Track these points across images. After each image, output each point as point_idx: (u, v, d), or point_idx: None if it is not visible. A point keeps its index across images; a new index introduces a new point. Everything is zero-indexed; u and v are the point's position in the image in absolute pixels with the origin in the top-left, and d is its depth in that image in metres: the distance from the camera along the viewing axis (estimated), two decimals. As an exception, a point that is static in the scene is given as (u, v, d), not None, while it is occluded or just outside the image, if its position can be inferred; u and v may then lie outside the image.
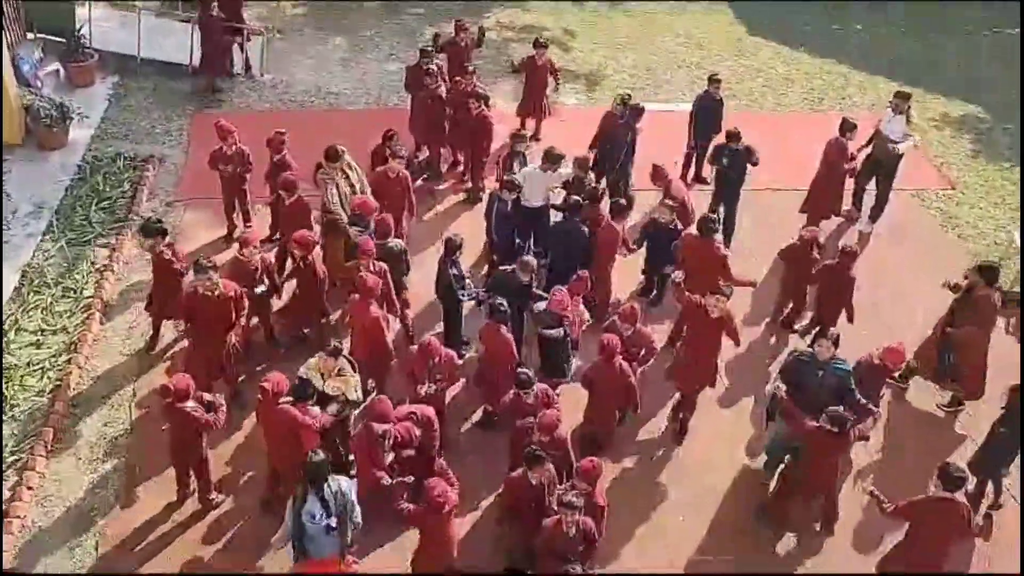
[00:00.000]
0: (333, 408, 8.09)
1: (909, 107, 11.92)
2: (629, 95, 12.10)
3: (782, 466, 8.74)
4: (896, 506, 7.55)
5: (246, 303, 9.02)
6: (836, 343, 8.50)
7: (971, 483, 8.32)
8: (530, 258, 9.61)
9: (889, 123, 11.98)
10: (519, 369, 8.35)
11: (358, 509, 7.29)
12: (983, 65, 16.84)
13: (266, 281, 9.54)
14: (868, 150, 12.18)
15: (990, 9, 18.24)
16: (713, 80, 12.46)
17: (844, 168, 11.62)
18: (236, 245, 9.56)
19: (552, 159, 10.72)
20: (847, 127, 11.47)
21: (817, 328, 10.08)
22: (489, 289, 9.65)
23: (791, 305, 10.69)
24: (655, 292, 10.93)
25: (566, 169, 10.87)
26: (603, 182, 11.75)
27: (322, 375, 8.18)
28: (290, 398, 7.77)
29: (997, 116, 15.38)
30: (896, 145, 11.86)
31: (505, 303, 8.83)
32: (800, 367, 8.52)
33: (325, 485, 7.07)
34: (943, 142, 14.74)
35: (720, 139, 11.71)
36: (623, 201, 10.38)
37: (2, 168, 11.82)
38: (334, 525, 7.12)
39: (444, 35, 13.33)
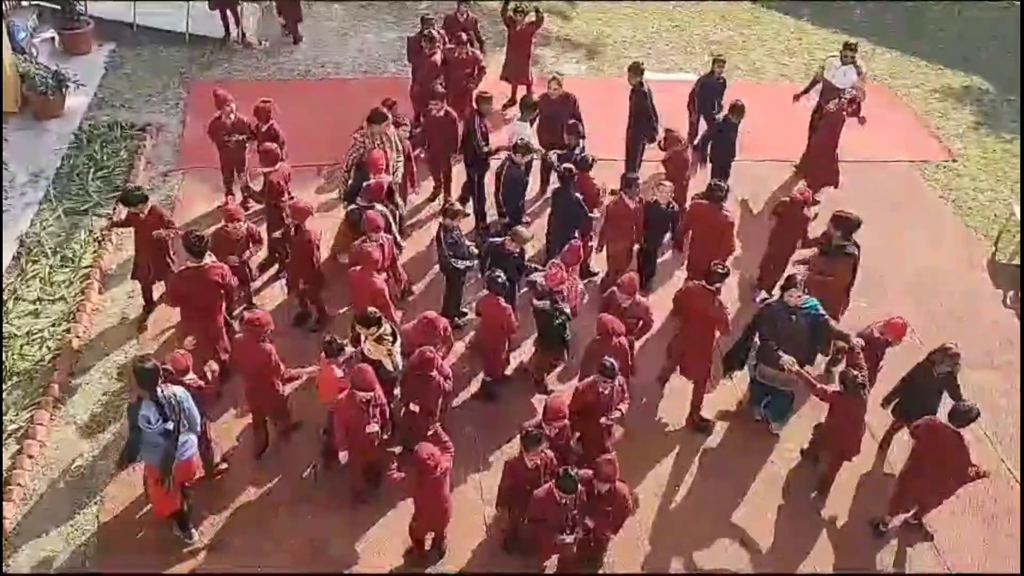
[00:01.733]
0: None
1: (856, 57, 12.13)
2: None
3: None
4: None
5: (234, 282, 8.95)
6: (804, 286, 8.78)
7: None
8: (522, 228, 9.57)
9: (836, 74, 12.13)
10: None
11: (195, 414, 7.49)
12: (987, 37, 16.72)
13: (251, 249, 9.48)
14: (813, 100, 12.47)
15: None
16: (717, 61, 12.34)
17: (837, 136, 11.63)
18: (223, 220, 9.46)
19: (530, 107, 10.96)
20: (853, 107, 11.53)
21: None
22: (482, 260, 9.65)
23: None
24: (649, 270, 10.79)
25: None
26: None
27: (366, 337, 8.24)
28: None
29: (1001, 88, 15.29)
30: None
31: (503, 275, 8.84)
32: (774, 315, 8.76)
33: (158, 390, 7.26)
34: (944, 113, 14.68)
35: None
36: (634, 175, 10.29)
37: (1, 137, 11.72)
38: (170, 428, 7.32)
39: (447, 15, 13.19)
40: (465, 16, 13.13)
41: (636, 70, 11.63)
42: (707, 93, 12.35)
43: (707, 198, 9.98)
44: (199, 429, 7.69)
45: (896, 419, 8.96)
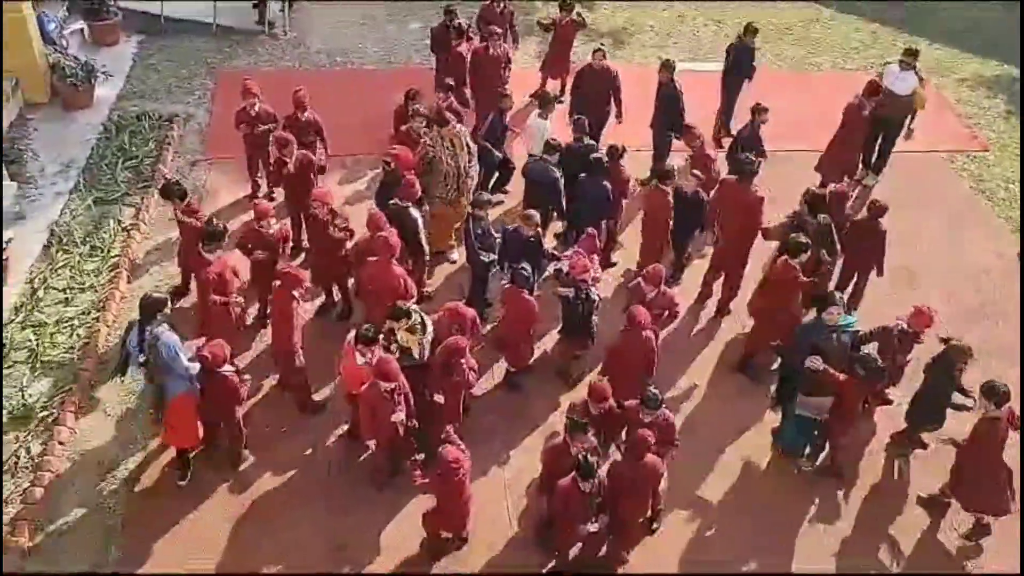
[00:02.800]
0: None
1: (916, 63, 11.77)
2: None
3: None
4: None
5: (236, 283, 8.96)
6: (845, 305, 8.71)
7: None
8: (532, 212, 9.51)
9: (895, 79, 11.79)
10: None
11: (173, 363, 7.72)
12: (1017, 25, 16.40)
13: (274, 252, 9.42)
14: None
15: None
16: (749, 29, 12.25)
17: (860, 127, 11.43)
18: (253, 217, 9.51)
19: (549, 102, 10.98)
20: (870, 88, 11.25)
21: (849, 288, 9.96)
22: (500, 248, 9.64)
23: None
24: (679, 264, 10.72)
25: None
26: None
27: (398, 329, 8.30)
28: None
29: (1033, 75, 15.04)
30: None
31: (528, 268, 8.82)
32: (814, 335, 8.50)
33: (148, 326, 7.71)
34: (976, 103, 14.45)
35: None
36: (669, 166, 10.17)
37: (1, 133, 11.74)
38: (141, 362, 7.82)
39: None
40: (502, 7, 13.06)
41: (668, 66, 11.57)
42: (739, 64, 12.26)
43: (736, 173, 9.88)
44: (182, 376, 7.84)
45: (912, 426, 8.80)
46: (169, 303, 7.94)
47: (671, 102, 11.54)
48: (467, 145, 10.36)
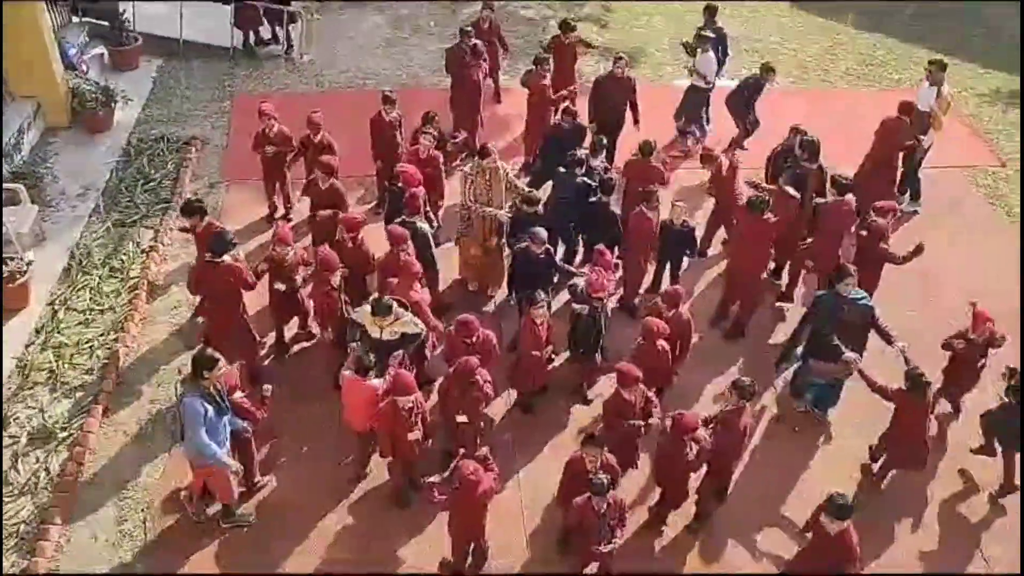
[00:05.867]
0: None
1: (943, 78, 11.60)
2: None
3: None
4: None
5: (251, 279, 8.97)
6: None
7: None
8: (539, 229, 9.46)
9: (920, 93, 11.72)
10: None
11: (188, 431, 7.45)
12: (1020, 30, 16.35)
13: (293, 280, 9.42)
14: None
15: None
16: (767, 68, 12.29)
17: (899, 147, 11.36)
18: (272, 241, 9.58)
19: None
20: (906, 108, 11.17)
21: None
22: (514, 268, 9.67)
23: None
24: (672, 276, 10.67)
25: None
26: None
27: (380, 328, 8.35)
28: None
29: (1052, 90, 14.96)
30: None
31: (541, 294, 8.86)
32: (828, 306, 8.73)
33: (182, 385, 7.62)
34: (994, 117, 14.38)
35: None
36: (653, 189, 10.13)
37: (2, 151, 11.84)
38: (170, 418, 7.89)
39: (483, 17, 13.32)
40: (489, 23, 13.24)
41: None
42: (745, 96, 12.35)
43: (749, 207, 9.86)
44: (190, 452, 7.65)
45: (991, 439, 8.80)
46: (218, 363, 7.50)
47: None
48: (508, 179, 10.31)
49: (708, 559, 8.23)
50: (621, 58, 12.04)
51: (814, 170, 10.33)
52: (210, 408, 7.46)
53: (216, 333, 8.99)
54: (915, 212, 12.15)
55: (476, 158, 10.23)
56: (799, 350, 9.25)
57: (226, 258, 8.75)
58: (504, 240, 10.26)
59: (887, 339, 8.78)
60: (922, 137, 11.53)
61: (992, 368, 8.98)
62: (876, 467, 8.77)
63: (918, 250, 9.64)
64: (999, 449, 8.72)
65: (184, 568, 7.92)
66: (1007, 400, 8.49)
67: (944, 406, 9.38)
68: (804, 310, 9.48)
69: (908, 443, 8.34)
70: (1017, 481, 8.72)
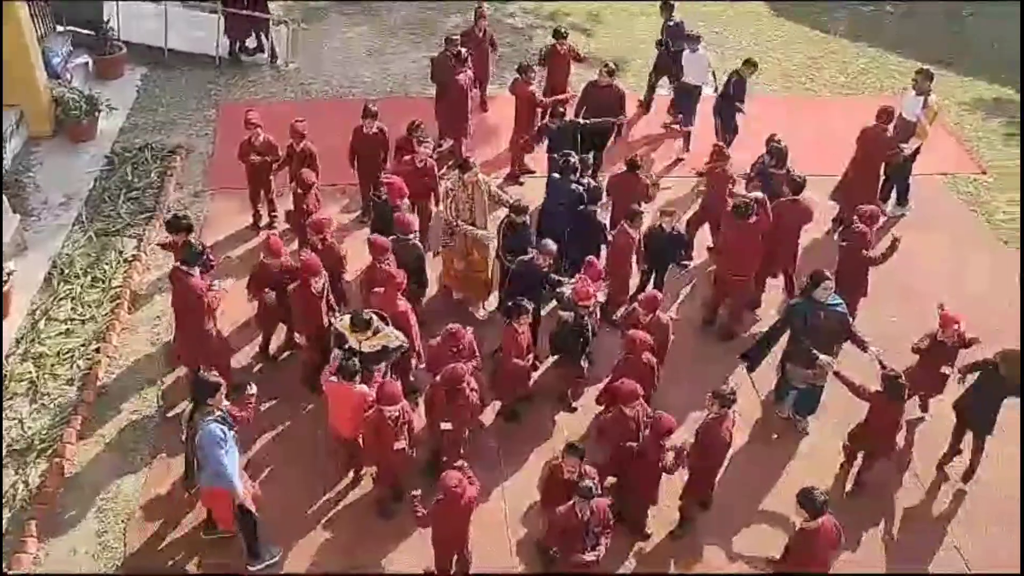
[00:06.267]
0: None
1: (930, 87, 11.67)
2: None
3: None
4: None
5: (212, 304, 8.93)
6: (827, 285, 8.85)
7: None
8: (549, 242, 9.54)
9: (906, 102, 11.79)
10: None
11: (209, 459, 7.30)
12: (1017, 47, 16.46)
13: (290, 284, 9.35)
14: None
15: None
16: (748, 63, 12.39)
17: (881, 156, 11.42)
18: (262, 252, 9.52)
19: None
20: (885, 115, 11.25)
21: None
22: (512, 279, 9.64)
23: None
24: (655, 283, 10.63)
25: None
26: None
27: (359, 341, 8.34)
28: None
29: (1032, 99, 15.06)
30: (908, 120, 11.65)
31: (526, 301, 8.86)
32: (804, 311, 8.81)
33: (198, 410, 7.44)
34: (975, 125, 14.46)
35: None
36: (637, 208, 10.06)
37: (3, 160, 11.87)
38: (182, 440, 7.74)
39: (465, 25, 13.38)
40: (483, 31, 13.25)
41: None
42: (731, 97, 12.42)
43: (735, 213, 9.90)
44: (209, 480, 7.49)
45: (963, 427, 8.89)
46: (220, 388, 7.48)
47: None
48: (493, 192, 10.28)
49: (691, 561, 8.26)
50: (606, 65, 12.09)
51: (782, 175, 10.47)
52: (226, 431, 7.42)
53: (183, 344, 9.00)
54: (903, 215, 12.21)
55: (458, 172, 10.20)
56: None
57: (197, 272, 8.73)
58: (495, 254, 10.19)
59: (862, 347, 8.87)
60: (903, 145, 11.58)
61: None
62: (852, 478, 8.83)
63: (893, 247, 9.74)
64: (970, 436, 8.85)
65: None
66: (971, 382, 8.65)
67: (914, 407, 9.41)
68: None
69: (879, 439, 8.46)
70: (977, 467, 8.88)
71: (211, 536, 8.08)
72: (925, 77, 11.67)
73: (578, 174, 10.36)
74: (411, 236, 9.60)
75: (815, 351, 8.70)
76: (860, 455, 8.74)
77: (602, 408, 8.73)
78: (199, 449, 7.39)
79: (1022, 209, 11.91)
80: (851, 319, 9.03)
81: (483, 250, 10.24)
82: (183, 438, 7.78)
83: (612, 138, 12.38)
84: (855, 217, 9.99)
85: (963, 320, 8.77)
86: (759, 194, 10.19)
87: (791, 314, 9.01)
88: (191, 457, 7.70)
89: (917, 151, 11.87)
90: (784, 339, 9.22)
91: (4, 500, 8.32)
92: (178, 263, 8.81)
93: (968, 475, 8.92)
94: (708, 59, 13.10)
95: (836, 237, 11.33)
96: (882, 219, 11.51)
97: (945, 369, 8.85)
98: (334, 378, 8.06)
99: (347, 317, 8.50)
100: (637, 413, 8.04)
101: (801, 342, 8.81)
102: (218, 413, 7.44)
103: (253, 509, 7.67)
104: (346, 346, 8.30)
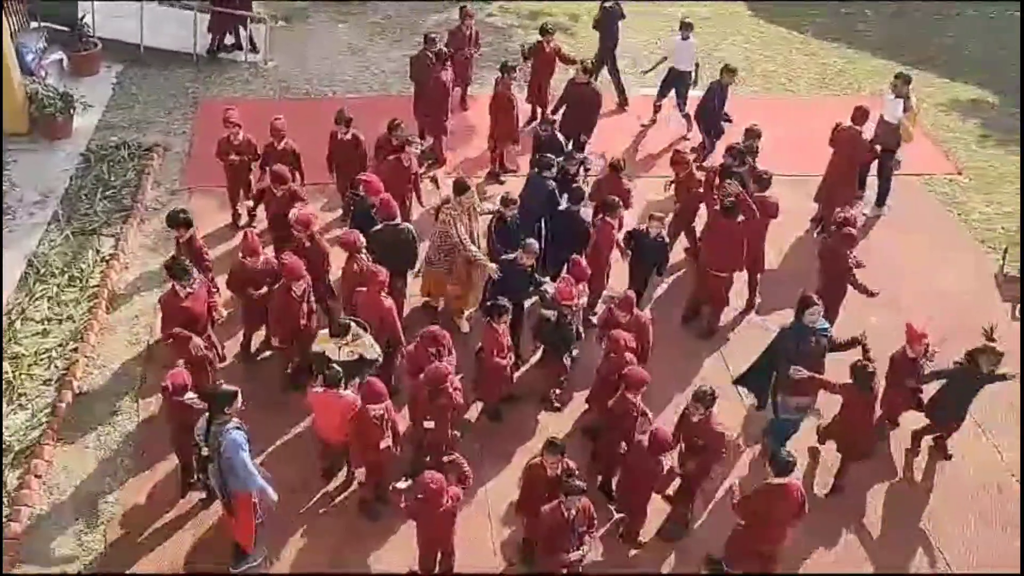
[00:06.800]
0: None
1: (909, 91, 11.78)
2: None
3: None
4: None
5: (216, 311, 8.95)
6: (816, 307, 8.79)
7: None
8: (532, 242, 9.54)
9: (886, 105, 11.90)
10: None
11: (233, 466, 7.25)
12: (995, 49, 16.69)
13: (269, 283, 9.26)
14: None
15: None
16: (727, 70, 12.47)
17: (859, 158, 11.53)
18: (240, 253, 9.45)
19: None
20: (860, 115, 11.35)
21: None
22: (495, 280, 9.62)
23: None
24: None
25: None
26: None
27: (338, 349, 8.29)
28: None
29: (1007, 100, 15.24)
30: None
31: (506, 300, 8.85)
32: (796, 338, 8.70)
33: (215, 417, 7.39)
34: (951, 127, 14.63)
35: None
36: (614, 199, 10.12)
37: (2, 157, 11.78)
38: (204, 455, 7.56)
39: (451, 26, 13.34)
40: (470, 31, 13.22)
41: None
42: (712, 103, 12.50)
43: (721, 210, 9.94)
44: (232, 486, 7.41)
45: (932, 424, 9.01)
46: (237, 397, 7.45)
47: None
48: (481, 210, 10.18)
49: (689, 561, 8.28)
50: (583, 63, 12.20)
51: (745, 172, 10.61)
52: (244, 435, 7.39)
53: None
54: (880, 216, 12.34)
55: (454, 196, 9.87)
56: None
57: (191, 288, 8.55)
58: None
59: (850, 345, 8.82)
60: (877, 148, 11.72)
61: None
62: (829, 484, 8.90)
63: (867, 293, 9.81)
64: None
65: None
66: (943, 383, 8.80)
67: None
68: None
69: (855, 434, 8.50)
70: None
71: (241, 568, 7.88)
72: (904, 81, 11.78)
73: (552, 172, 10.38)
74: (398, 221, 9.58)
75: (792, 368, 8.51)
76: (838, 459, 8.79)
77: (586, 409, 8.76)
78: (225, 458, 7.29)
79: (1022, 211, 12.01)
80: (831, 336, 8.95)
81: (480, 272, 9.96)
82: (201, 453, 7.66)
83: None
84: (834, 220, 10.10)
85: (928, 336, 8.77)
86: (736, 187, 10.27)
87: (781, 342, 8.82)
88: (213, 478, 7.58)
89: (894, 153, 11.98)
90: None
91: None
92: (172, 283, 8.55)
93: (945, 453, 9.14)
94: (695, 49, 13.20)
95: (816, 236, 11.44)
96: (860, 217, 11.69)
97: (910, 382, 8.84)
98: (319, 388, 7.99)
99: (324, 331, 8.42)
100: (639, 402, 8.11)
101: (785, 366, 8.59)
102: (235, 420, 7.40)
103: (274, 506, 7.70)
104: (330, 366, 8.15)
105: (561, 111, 12.41)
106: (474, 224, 9.96)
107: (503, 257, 9.62)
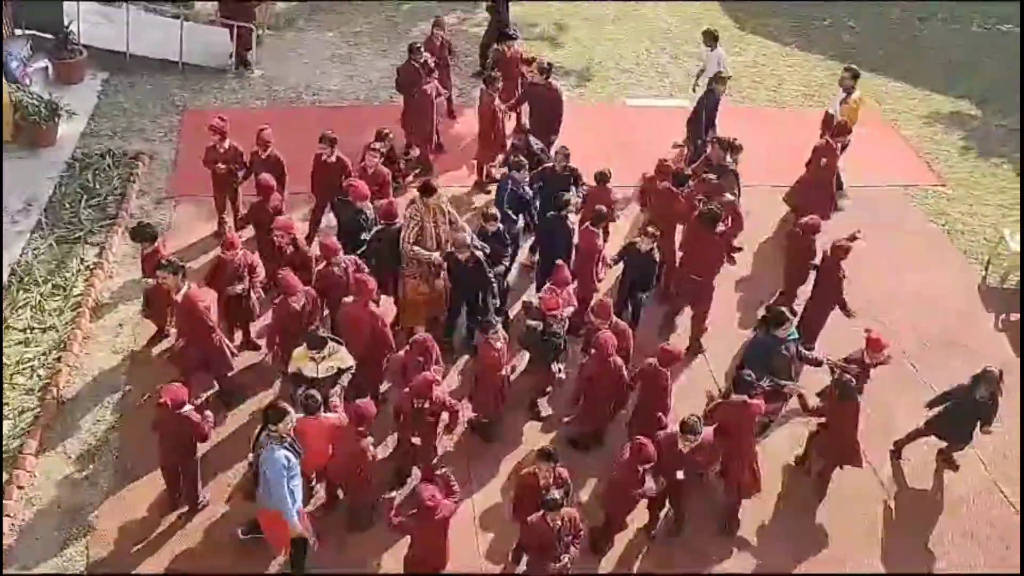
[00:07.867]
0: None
1: (854, 84, 12.15)
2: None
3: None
4: None
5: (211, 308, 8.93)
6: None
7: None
8: (464, 236, 9.52)
9: (834, 100, 12.31)
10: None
11: (272, 481, 7.24)
12: (976, 60, 16.88)
13: (244, 282, 9.32)
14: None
15: (986, 4, 18.26)
16: (719, 78, 12.53)
17: (832, 170, 11.69)
18: (220, 247, 9.49)
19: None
20: (824, 123, 11.57)
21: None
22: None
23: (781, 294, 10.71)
24: (632, 313, 10.47)
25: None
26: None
27: (315, 363, 8.26)
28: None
29: (989, 112, 15.41)
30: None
31: (495, 319, 8.92)
32: (768, 348, 8.87)
33: (265, 432, 7.43)
34: (934, 138, 14.77)
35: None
36: (601, 208, 10.14)
37: (1, 163, 11.72)
38: (249, 461, 7.72)
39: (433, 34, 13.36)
40: (440, 40, 13.25)
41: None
42: (704, 113, 12.57)
43: (701, 222, 9.97)
44: (274, 505, 7.38)
45: (930, 431, 9.08)
46: (288, 415, 7.37)
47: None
48: (450, 215, 9.99)
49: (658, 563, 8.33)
50: (539, 63, 12.34)
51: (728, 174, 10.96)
52: (292, 457, 7.36)
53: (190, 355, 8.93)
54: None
55: (420, 198, 9.74)
56: None
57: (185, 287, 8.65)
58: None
59: (816, 363, 9.14)
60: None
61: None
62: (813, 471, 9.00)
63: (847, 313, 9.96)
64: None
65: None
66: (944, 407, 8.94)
67: None
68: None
69: (843, 445, 8.59)
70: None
71: (248, 536, 7.99)
72: (851, 75, 12.14)
73: (521, 174, 10.58)
74: (396, 222, 9.63)
75: (780, 380, 8.74)
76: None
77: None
78: (263, 471, 7.31)
79: (1022, 238, 12.14)
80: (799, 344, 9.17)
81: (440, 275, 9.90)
82: (250, 459, 7.75)
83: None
84: (801, 227, 10.29)
85: (889, 345, 8.93)
86: (728, 196, 10.31)
87: (754, 354, 8.98)
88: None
89: (845, 147, 12.08)
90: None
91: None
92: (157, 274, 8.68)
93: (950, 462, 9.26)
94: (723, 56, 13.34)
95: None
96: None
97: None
98: (299, 415, 7.77)
99: (299, 350, 8.35)
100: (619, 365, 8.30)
101: (760, 375, 8.65)
102: (287, 439, 7.37)
103: (308, 535, 7.64)
104: (303, 387, 8.13)
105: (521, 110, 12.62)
106: (441, 227, 9.81)
107: (445, 252, 9.62)
